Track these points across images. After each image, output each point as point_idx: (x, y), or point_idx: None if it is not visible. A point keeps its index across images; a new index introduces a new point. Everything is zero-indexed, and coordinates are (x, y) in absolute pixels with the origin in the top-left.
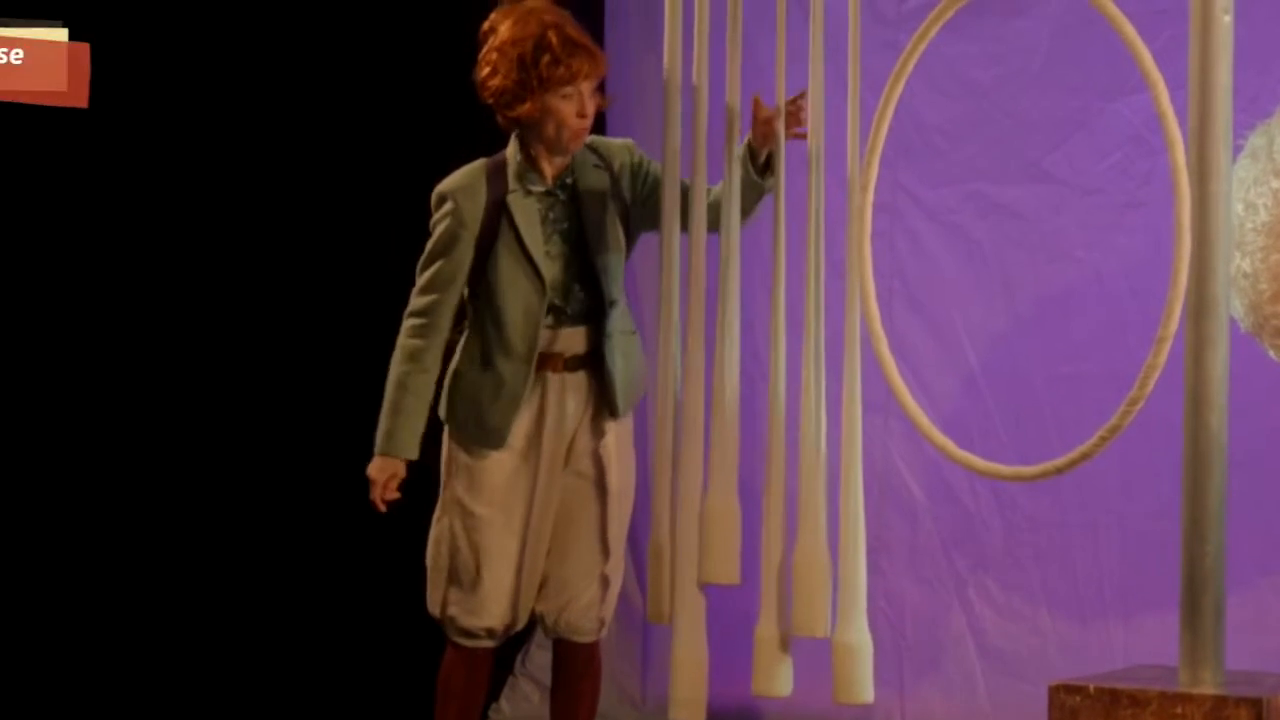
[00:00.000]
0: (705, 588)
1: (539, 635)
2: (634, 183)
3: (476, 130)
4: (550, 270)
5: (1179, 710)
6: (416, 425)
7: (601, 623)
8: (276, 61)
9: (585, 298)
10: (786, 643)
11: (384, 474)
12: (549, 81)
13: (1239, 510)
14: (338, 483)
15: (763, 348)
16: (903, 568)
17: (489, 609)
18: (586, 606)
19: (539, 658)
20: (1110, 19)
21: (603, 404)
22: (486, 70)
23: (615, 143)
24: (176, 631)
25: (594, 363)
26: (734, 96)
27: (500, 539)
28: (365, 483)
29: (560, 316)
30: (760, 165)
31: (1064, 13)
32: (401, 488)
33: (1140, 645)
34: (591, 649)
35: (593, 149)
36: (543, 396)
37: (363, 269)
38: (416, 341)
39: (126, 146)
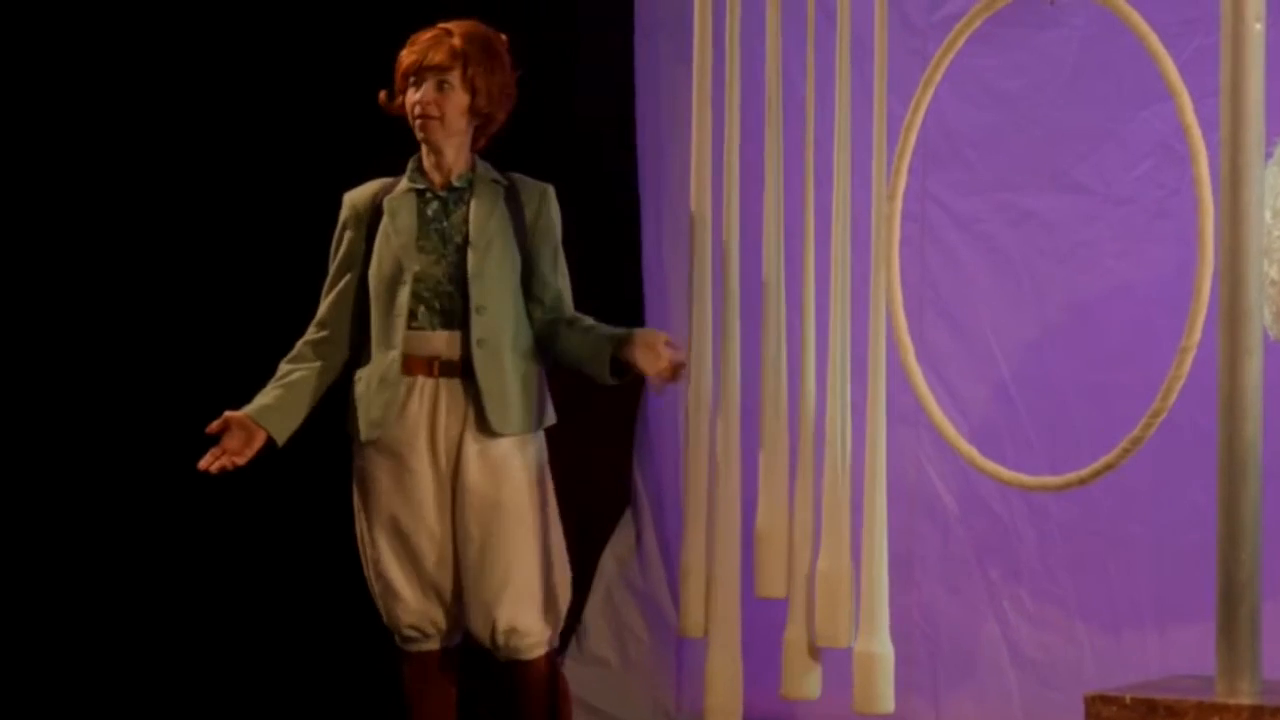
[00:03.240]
0: (743, 600)
1: (573, 648)
2: (533, 224)
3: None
4: (421, 263)
5: None
6: (268, 397)
7: (538, 642)
8: (258, 64)
9: (461, 302)
10: (815, 645)
11: (216, 423)
12: (398, 70)
13: (1273, 519)
14: (321, 489)
15: (795, 360)
16: (935, 578)
17: (402, 608)
18: (507, 626)
19: (575, 671)
20: (1134, 29)
21: (491, 417)
22: None
23: (531, 181)
24: (168, 634)
25: (470, 373)
26: (774, 89)
27: (390, 541)
28: (344, 488)
29: (432, 317)
30: (615, 368)
31: (1092, 23)
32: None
33: (1176, 655)
34: (532, 668)
35: (506, 178)
36: (420, 401)
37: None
38: (305, 336)
39: (127, 147)
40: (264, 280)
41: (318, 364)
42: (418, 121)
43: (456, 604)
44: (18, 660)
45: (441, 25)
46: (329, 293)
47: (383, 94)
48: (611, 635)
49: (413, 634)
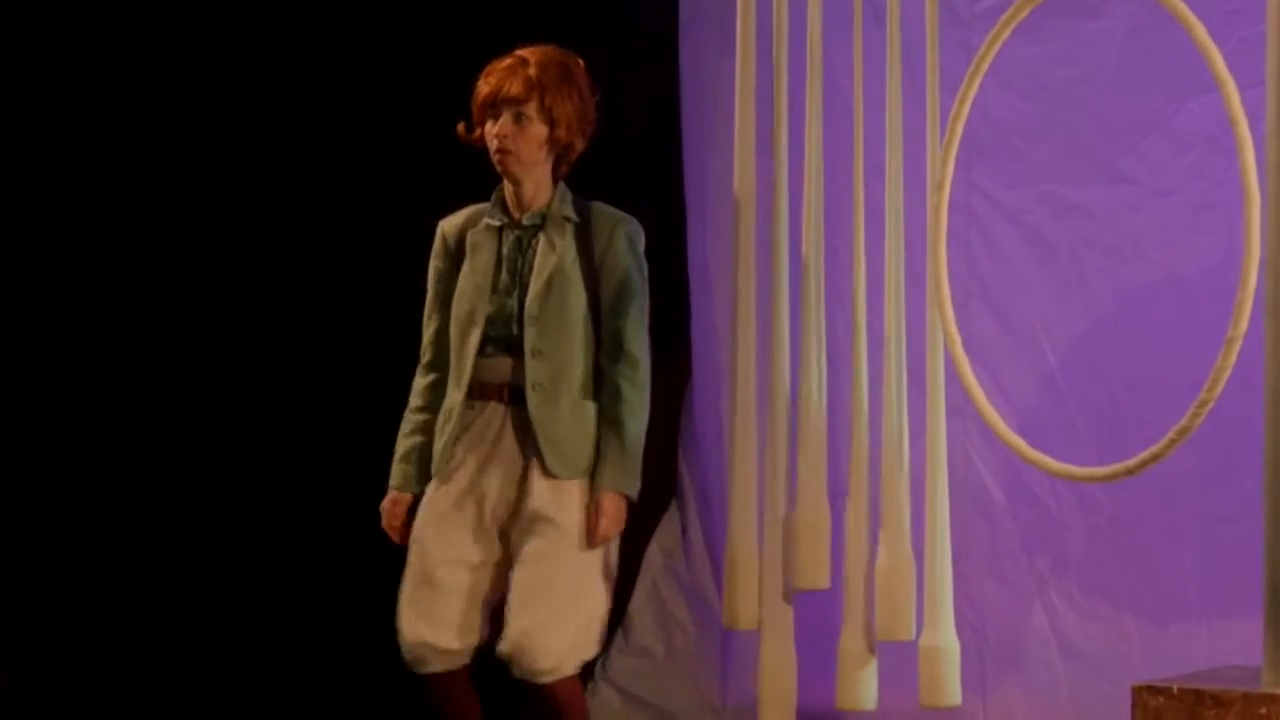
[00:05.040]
0: (793, 593)
1: (619, 640)
2: (601, 256)
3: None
4: (494, 303)
5: (1263, 711)
6: (410, 464)
7: (549, 669)
8: (304, 72)
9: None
10: (871, 655)
11: (384, 505)
12: (475, 102)
13: None
14: (340, 505)
15: (844, 354)
16: (984, 570)
17: (406, 627)
18: (524, 649)
19: (620, 662)
20: (1181, 20)
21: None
22: None
23: (607, 213)
24: (188, 639)
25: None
26: (815, 83)
27: (417, 558)
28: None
29: (504, 347)
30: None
31: (1137, 13)
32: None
33: (1223, 646)
34: (547, 692)
35: (581, 208)
36: (488, 424)
37: (367, 280)
38: (416, 381)
39: (133, 147)
40: (271, 288)
41: (426, 407)
42: (496, 156)
43: (468, 629)
44: (48, 661)
45: (518, 53)
46: (428, 328)
47: (460, 126)
48: (657, 627)
49: (407, 654)
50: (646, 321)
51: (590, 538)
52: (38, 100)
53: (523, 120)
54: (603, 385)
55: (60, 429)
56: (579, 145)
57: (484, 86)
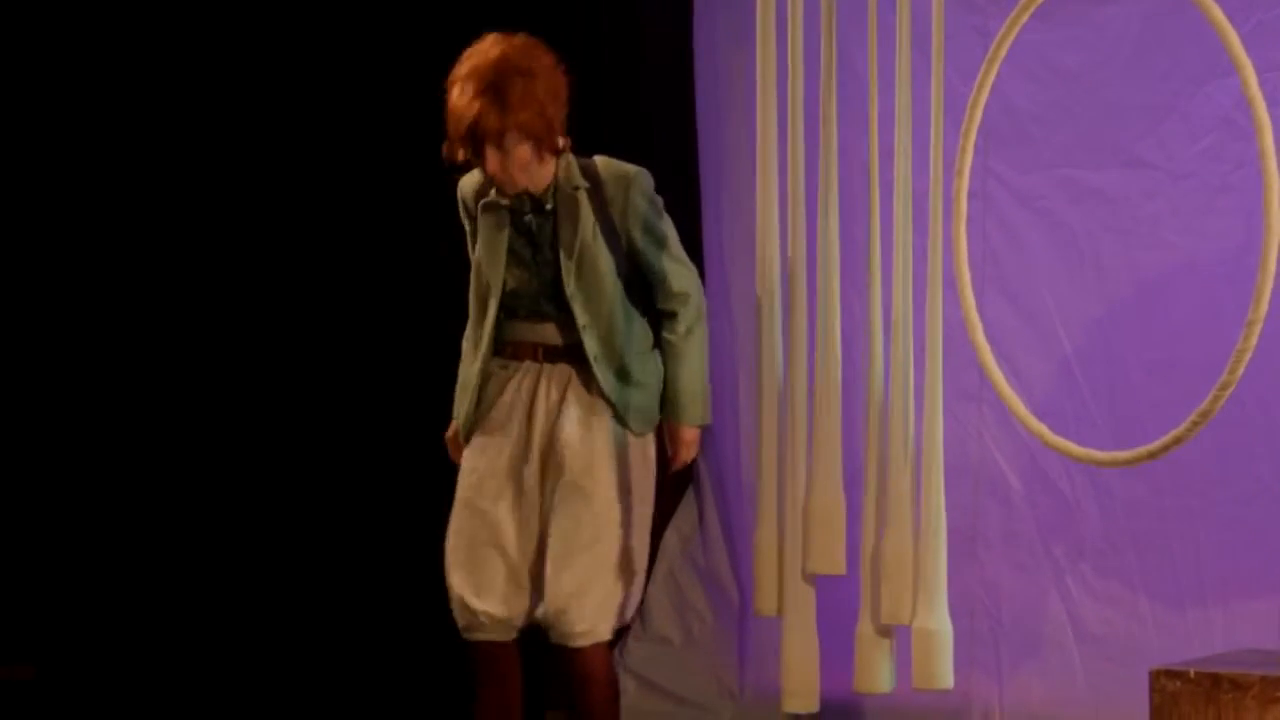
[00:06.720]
0: (813, 579)
1: (636, 627)
2: (622, 220)
3: None
4: (515, 278)
5: None
6: (460, 390)
7: (585, 631)
8: (319, 57)
9: (558, 305)
10: (887, 639)
11: (449, 435)
12: (450, 131)
13: None
14: (363, 484)
15: (860, 342)
16: (999, 556)
17: (460, 595)
18: (563, 610)
19: (637, 650)
20: (1198, 3)
21: (593, 403)
22: None
23: (616, 172)
24: (213, 626)
25: (577, 358)
26: (828, 70)
27: (462, 522)
28: (387, 487)
29: (534, 313)
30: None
31: None
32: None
33: (1240, 629)
34: (580, 658)
35: (587, 169)
36: (520, 382)
37: (374, 269)
38: (467, 331)
39: (137, 143)
40: (280, 279)
41: (470, 356)
42: (502, 186)
43: (515, 595)
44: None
45: (475, 71)
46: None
47: (444, 151)
48: (674, 613)
49: (461, 622)
50: (681, 252)
51: (672, 464)
52: (45, 100)
53: (506, 146)
54: (660, 327)
55: (82, 418)
56: (561, 127)
57: (456, 123)
